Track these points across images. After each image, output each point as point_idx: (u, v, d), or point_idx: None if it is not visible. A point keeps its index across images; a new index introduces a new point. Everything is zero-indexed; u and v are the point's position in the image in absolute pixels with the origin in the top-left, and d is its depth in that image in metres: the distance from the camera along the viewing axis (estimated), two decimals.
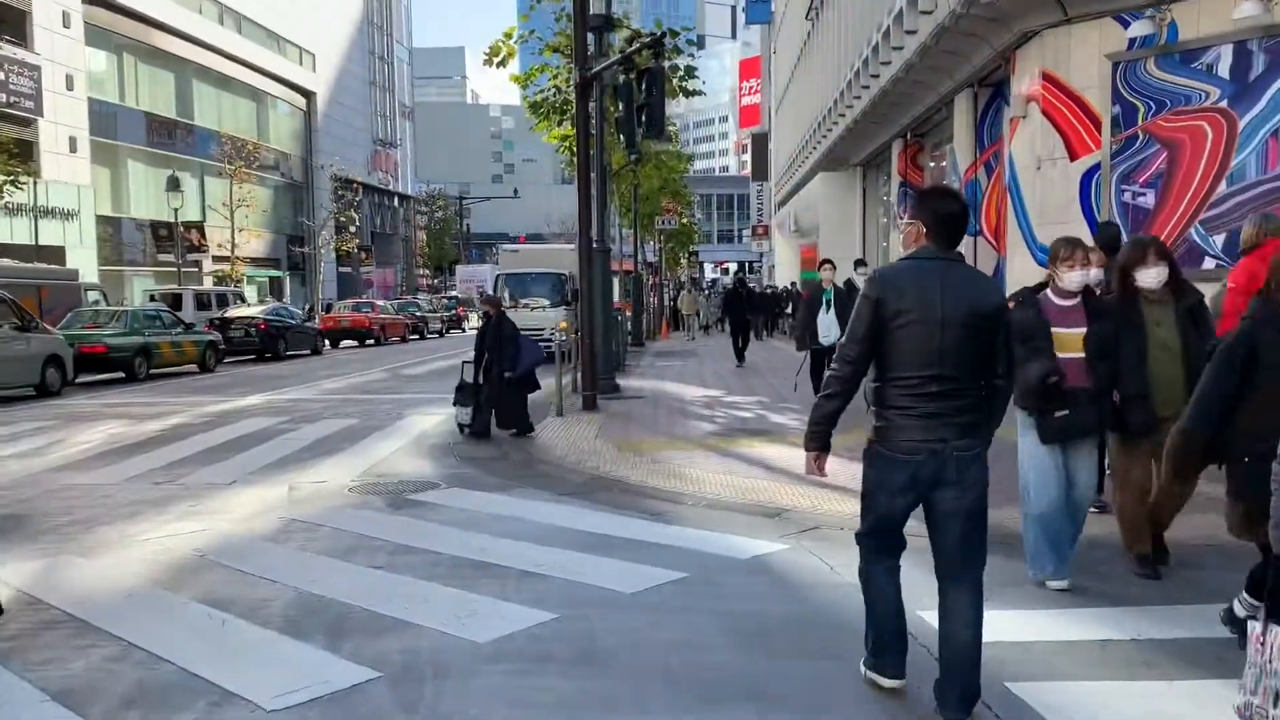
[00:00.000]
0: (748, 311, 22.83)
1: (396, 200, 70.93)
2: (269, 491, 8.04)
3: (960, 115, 19.12)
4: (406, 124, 79.15)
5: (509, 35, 16.37)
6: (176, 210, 33.83)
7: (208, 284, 39.05)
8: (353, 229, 50.51)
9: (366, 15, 66.42)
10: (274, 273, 48.23)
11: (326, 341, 32.73)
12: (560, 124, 16.51)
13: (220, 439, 11.01)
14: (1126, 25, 12.43)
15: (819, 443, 3.60)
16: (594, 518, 6.88)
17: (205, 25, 45.09)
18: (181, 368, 21.45)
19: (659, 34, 12.45)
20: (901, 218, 24.21)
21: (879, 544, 3.62)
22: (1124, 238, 7.21)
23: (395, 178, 71.08)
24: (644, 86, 9.97)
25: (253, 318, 25.49)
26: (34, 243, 31.45)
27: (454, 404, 10.90)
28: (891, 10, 18.55)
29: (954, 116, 19.66)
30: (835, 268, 12.21)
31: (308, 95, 56.71)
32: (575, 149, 11.94)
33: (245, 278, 42.22)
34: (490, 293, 20.35)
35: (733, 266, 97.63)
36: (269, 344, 25.42)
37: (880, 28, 20.00)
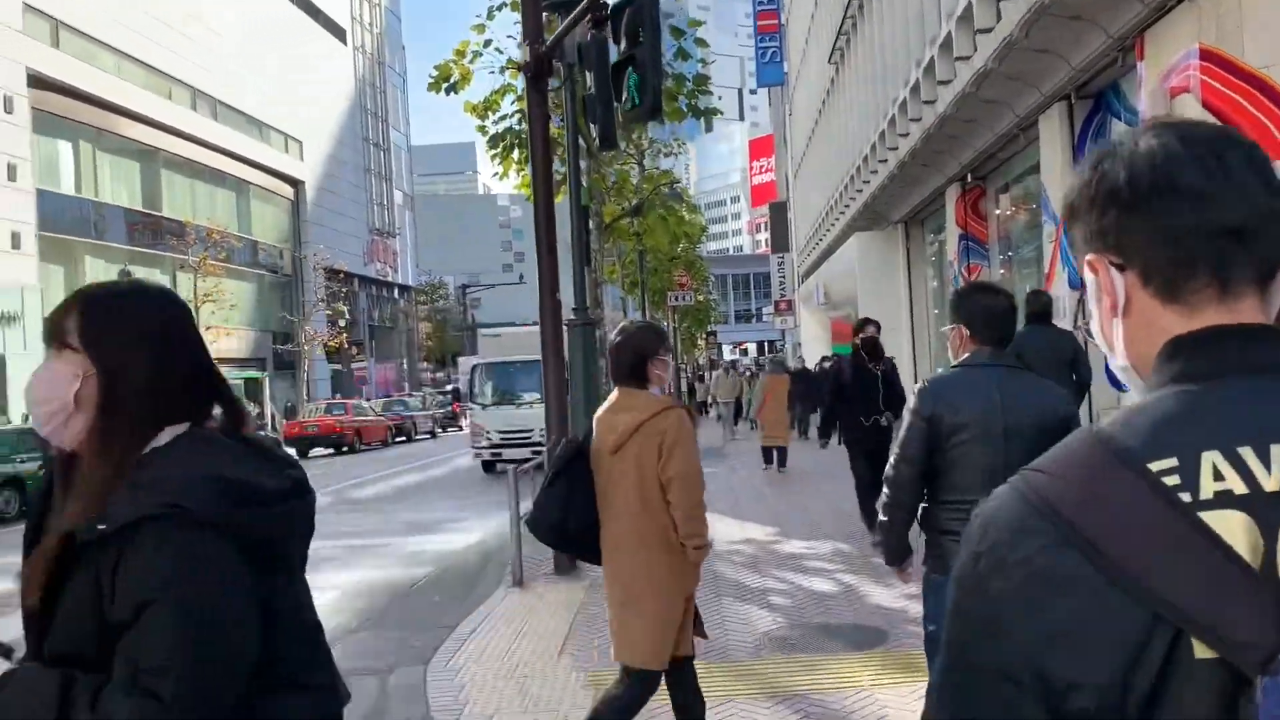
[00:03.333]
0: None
1: (396, 292, 67.32)
2: None
3: (1050, 138, 14.72)
4: (407, 213, 76.11)
5: (461, 53, 12.27)
6: None
7: None
8: (342, 323, 46.56)
9: (359, 103, 63.59)
10: (254, 374, 44.15)
11: (292, 451, 28.43)
12: (529, 162, 12.28)
13: None
14: None
15: (898, 556, 3.32)
16: None
17: (175, 111, 41.83)
18: None
19: None
20: (963, 275, 20.00)
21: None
22: None
23: (395, 269, 67.59)
24: (626, 33, 5.81)
25: None
26: None
27: None
28: (954, 10, 14.32)
29: (1040, 142, 15.26)
30: (879, 328, 8.88)
31: (295, 184, 53.43)
32: (531, 160, 7.74)
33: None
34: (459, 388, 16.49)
35: (751, 347, 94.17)
36: None
37: (935, 39, 15.83)
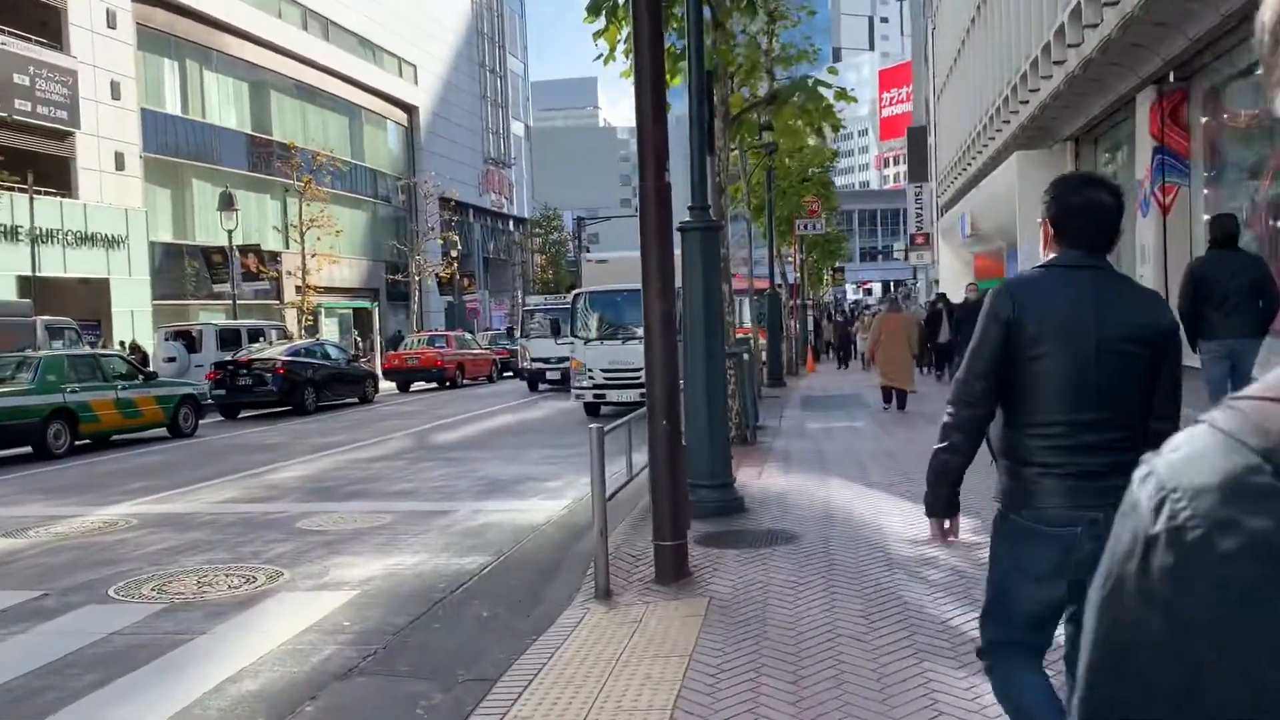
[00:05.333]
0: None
1: (511, 224, 65.62)
2: None
3: None
4: (524, 144, 74.16)
5: None
6: (230, 233, 28.75)
7: (290, 319, 33.89)
8: (454, 253, 44.92)
9: (475, 25, 61.43)
10: (364, 304, 42.99)
11: (392, 385, 26.89)
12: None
13: None
14: None
15: (944, 507, 2.70)
16: None
17: (285, 30, 40.35)
18: (142, 433, 15.47)
19: None
20: (1156, 198, 16.78)
21: (1020, 647, 2.61)
22: None
23: (510, 200, 65.83)
24: None
25: (269, 360, 19.48)
26: (64, 274, 26.68)
27: None
28: None
29: None
30: None
31: (409, 110, 51.84)
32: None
33: (322, 309, 36.87)
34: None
35: (876, 287, 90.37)
36: (290, 393, 19.38)
37: None
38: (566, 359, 18.29)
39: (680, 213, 6.35)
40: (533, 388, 23.36)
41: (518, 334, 29.48)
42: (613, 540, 5.86)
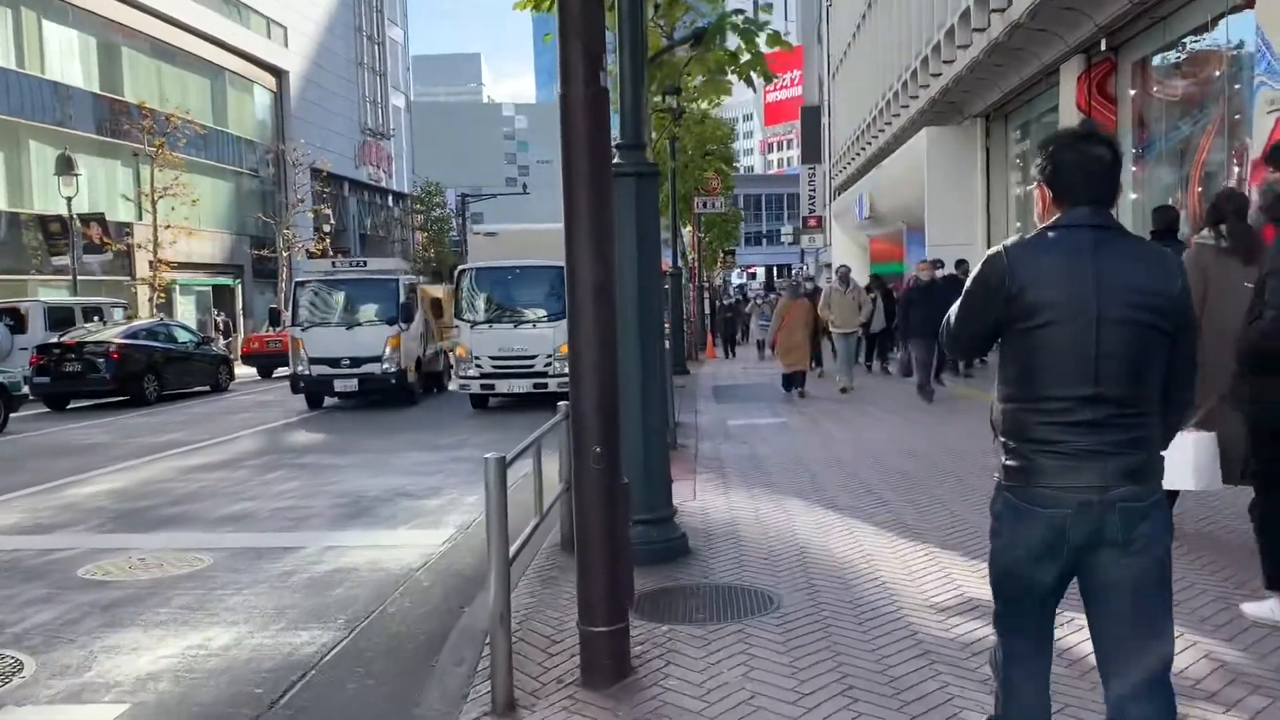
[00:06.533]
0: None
1: (390, 199, 62.44)
2: None
3: None
4: (404, 116, 70.84)
5: None
6: (70, 200, 25.71)
7: (142, 295, 30.74)
8: (326, 228, 41.98)
9: None
10: (226, 281, 39.74)
11: (252, 370, 24.33)
12: None
13: None
14: None
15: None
16: None
17: None
18: None
19: None
20: None
21: (1018, 629, 2.51)
22: None
23: (389, 174, 62.64)
24: None
25: (103, 343, 16.87)
26: None
27: None
28: None
29: None
30: None
31: (278, 74, 48.37)
32: None
33: (177, 286, 33.73)
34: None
35: (760, 272, 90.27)
36: (128, 381, 16.84)
37: None
38: (379, 358, 15.72)
39: None
40: (314, 403, 16.40)
41: (285, 318, 21.56)
42: (518, 607, 4.06)
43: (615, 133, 5.26)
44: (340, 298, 16.38)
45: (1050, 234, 2.41)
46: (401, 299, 16.07)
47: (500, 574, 3.50)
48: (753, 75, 9.73)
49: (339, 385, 15.75)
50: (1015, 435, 2.38)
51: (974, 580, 4.68)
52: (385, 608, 5.03)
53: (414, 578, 5.58)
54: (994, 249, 2.47)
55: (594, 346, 3.63)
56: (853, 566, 5.01)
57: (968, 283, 2.47)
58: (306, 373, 15.74)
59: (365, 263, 17.98)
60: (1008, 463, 2.39)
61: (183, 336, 19.74)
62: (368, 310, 16.21)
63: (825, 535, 5.67)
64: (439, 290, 20.60)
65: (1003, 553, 2.44)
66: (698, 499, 6.79)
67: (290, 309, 16.96)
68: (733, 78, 10.11)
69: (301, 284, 16.56)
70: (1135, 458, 2.32)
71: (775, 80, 60.51)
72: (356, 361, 15.62)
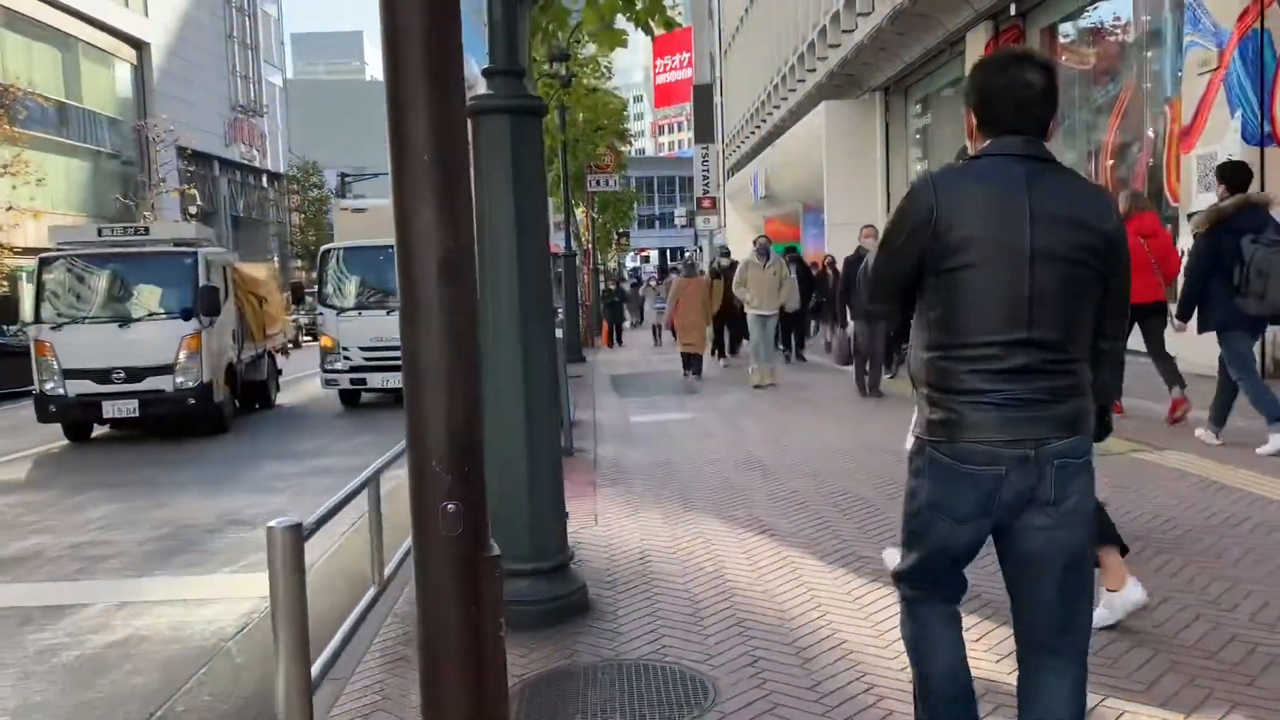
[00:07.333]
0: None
1: (265, 180, 59.30)
2: None
3: None
4: (280, 94, 67.48)
5: None
6: None
7: None
8: (193, 209, 39.31)
9: None
10: None
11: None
12: None
13: None
14: None
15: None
16: None
17: None
18: None
19: None
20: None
21: (930, 586, 2.36)
22: None
23: (263, 153, 59.43)
24: None
25: None
26: None
27: None
28: None
29: None
30: None
31: (139, 46, 45.21)
32: None
33: (23, 272, 30.89)
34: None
35: (654, 254, 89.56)
36: None
37: None
38: (169, 367, 11.19)
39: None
40: (76, 434, 11.64)
41: (26, 314, 13.77)
42: (348, 711, 2.76)
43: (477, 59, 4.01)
44: (110, 281, 11.86)
45: (979, 163, 2.22)
46: (202, 282, 11.65)
47: (297, 711, 2.20)
48: (650, 23, 8.50)
49: (110, 409, 11.10)
50: (939, 386, 2.20)
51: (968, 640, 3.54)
52: (173, 705, 3.65)
53: (223, 651, 4.20)
54: (919, 178, 2.26)
55: (441, 345, 2.33)
56: (803, 621, 3.84)
57: (889, 216, 2.26)
58: (60, 392, 11.08)
59: (148, 229, 13.08)
60: (931, 416, 2.22)
61: None
62: (151, 298, 11.86)
63: (761, 574, 4.49)
64: (261, 270, 16.81)
65: (923, 513, 2.26)
66: (600, 523, 5.55)
67: (34, 299, 11.72)
68: (629, 26, 8.88)
69: (48, 261, 11.80)
70: (1071, 404, 2.16)
71: (665, 63, 57.98)
72: (135, 374, 11.15)
